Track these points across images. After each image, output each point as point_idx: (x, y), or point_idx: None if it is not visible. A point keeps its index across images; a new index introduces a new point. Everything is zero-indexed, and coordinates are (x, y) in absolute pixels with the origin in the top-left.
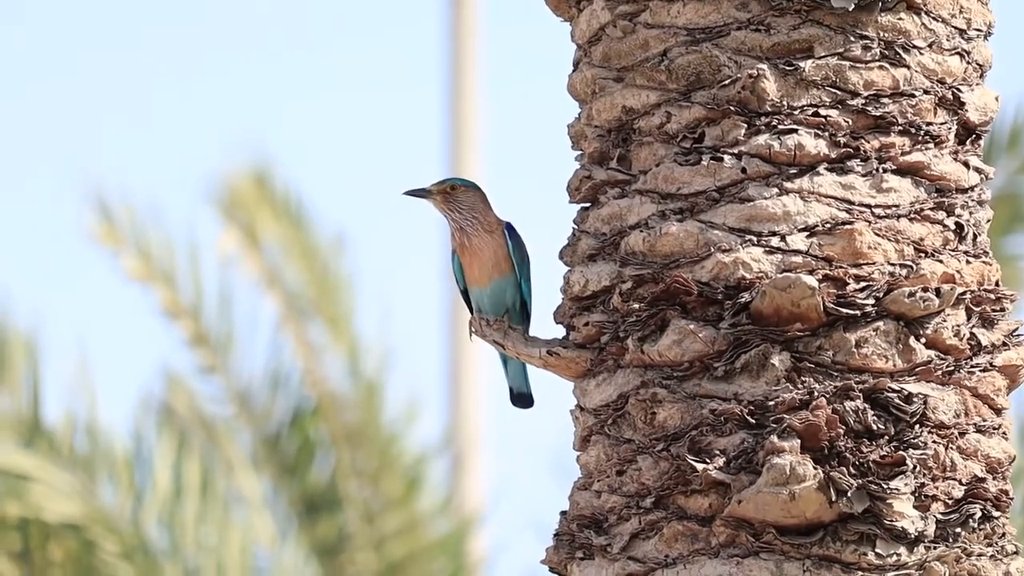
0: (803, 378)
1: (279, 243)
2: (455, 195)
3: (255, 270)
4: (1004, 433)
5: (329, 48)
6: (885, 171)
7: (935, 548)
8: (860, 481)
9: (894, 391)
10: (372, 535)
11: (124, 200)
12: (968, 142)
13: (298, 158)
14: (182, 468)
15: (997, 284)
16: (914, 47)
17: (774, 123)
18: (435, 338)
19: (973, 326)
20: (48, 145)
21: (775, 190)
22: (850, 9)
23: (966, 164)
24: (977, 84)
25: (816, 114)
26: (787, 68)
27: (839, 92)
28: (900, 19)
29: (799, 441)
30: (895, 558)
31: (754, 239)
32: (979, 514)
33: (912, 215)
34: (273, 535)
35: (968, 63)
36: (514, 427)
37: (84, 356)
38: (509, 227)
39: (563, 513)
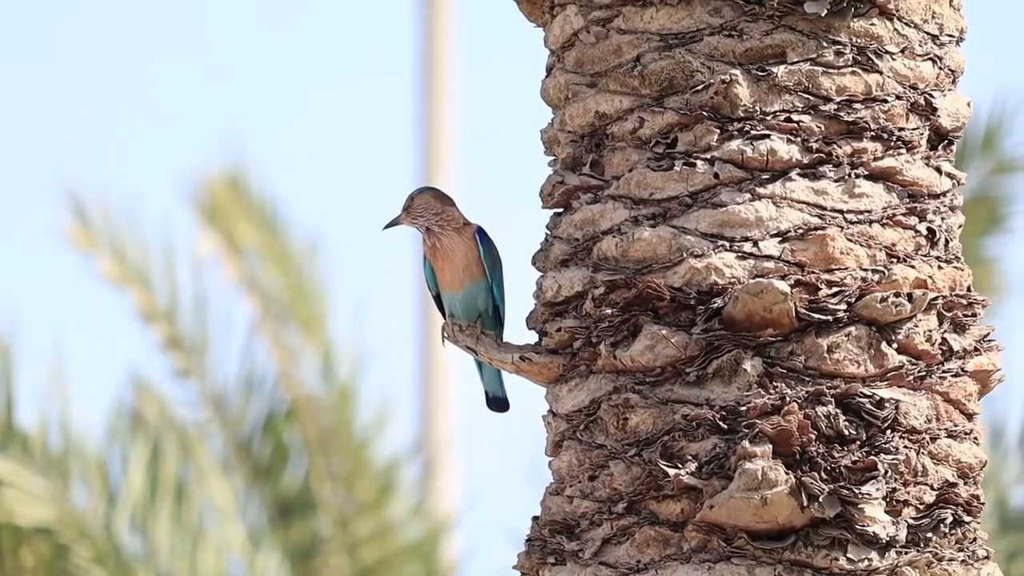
0: (775, 383)
1: (254, 247)
2: (412, 206)
3: (232, 273)
4: (975, 438)
5: (302, 51)
6: (857, 176)
7: (906, 553)
8: (832, 486)
9: (866, 396)
10: (345, 539)
11: (100, 202)
12: (940, 147)
13: (272, 162)
14: (155, 473)
15: (969, 289)
16: (886, 52)
17: (747, 128)
18: (407, 343)
19: (945, 331)
20: (23, 146)
21: (748, 195)
22: (823, 15)
23: (938, 169)
24: (949, 90)
25: (789, 119)
26: (760, 73)
27: (812, 97)
28: (872, 24)
29: (771, 446)
30: (866, 563)
31: (727, 244)
32: (950, 519)
33: (884, 220)
34: (246, 539)
35: (940, 69)
36: (486, 432)
37: (58, 359)
38: (480, 231)
39: (535, 518)
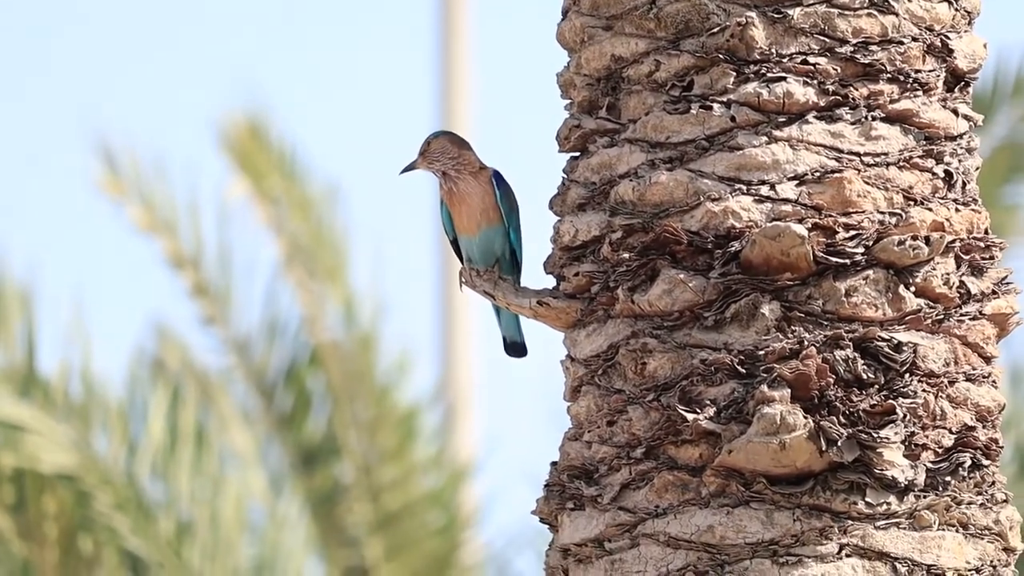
0: (793, 327)
1: (277, 193)
2: (429, 150)
3: (259, 219)
4: (994, 381)
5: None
6: (874, 119)
7: (925, 497)
8: (850, 430)
9: (884, 340)
10: (368, 486)
11: (128, 149)
12: (957, 89)
13: (292, 109)
14: (175, 420)
15: (986, 232)
16: None
17: (763, 71)
18: (427, 289)
19: (962, 274)
20: (52, 94)
21: (764, 138)
22: None
23: (955, 112)
24: (966, 31)
25: (805, 62)
26: (775, 16)
27: (827, 40)
28: None
29: (789, 390)
30: (885, 507)
31: (743, 188)
32: (969, 463)
33: (901, 163)
34: (267, 486)
35: (956, 10)
36: (506, 378)
37: (79, 306)
38: (497, 175)
39: (553, 464)
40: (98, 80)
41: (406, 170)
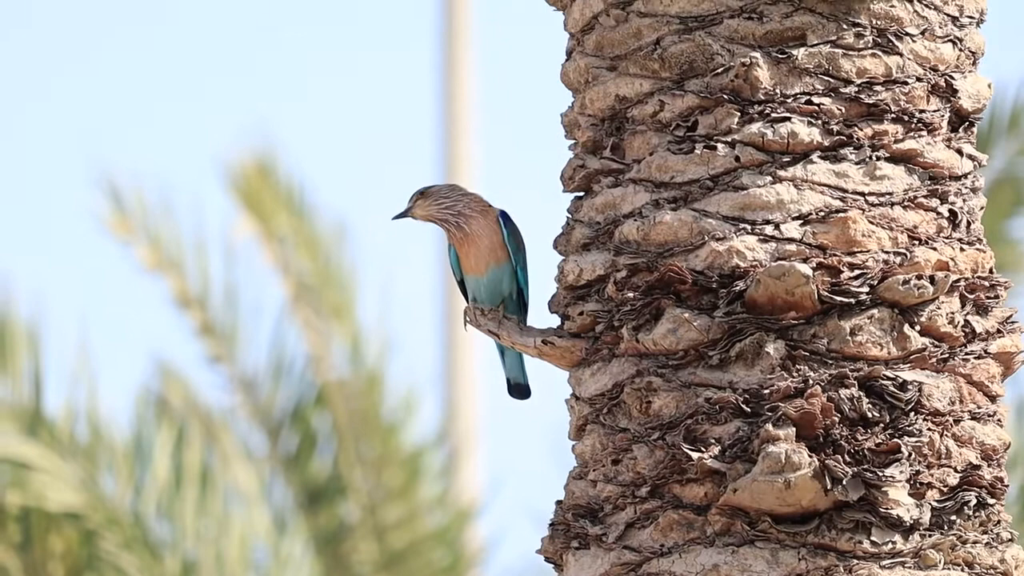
0: (798, 366)
1: (284, 232)
2: (427, 196)
3: (266, 258)
4: (999, 420)
5: (325, 37)
6: (878, 159)
7: (930, 536)
8: (855, 469)
9: (889, 379)
10: (373, 525)
11: (135, 188)
12: (961, 129)
13: (300, 147)
14: (180, 459)
15: (991, 271)
16: (907, 34)
17: (767, 111)
18: (432, 328)
19: (967, 313)
20: (59, 132)
21: (769, 178)
22: None
23: (959, 151)
24: (970, 71)
25: (809, 102)
26: (780, 56)
27: (832, 80)
28: (892, 6)
29: (794, 429)
30: (890, 546)
31: (748, 227)
32: (974, 501)
33: (906, 203)
34: (271, 525)
35: (961, 50)
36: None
37: (85, 345)
38: (504, 215)
39: (559, 502)
40: (105, 119)
41: (399, 217)
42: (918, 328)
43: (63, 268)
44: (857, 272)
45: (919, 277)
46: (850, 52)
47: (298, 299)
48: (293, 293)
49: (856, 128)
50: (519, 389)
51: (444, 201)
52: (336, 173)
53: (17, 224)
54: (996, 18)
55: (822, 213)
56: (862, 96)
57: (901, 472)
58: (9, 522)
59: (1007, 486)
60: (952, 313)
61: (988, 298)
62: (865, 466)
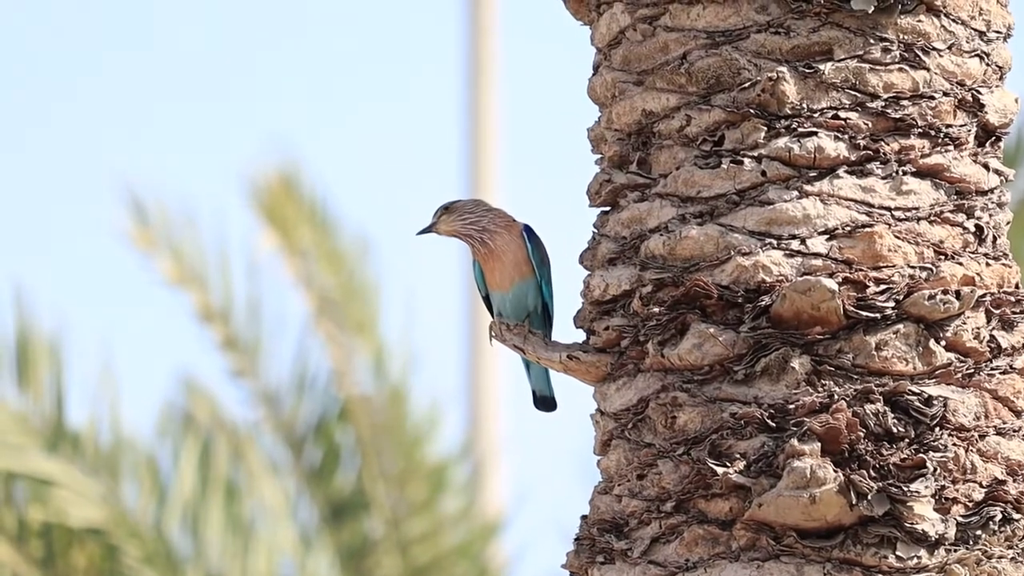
0: (823, 381)
1: (307, 246)
2: (452, 212)
3: (289, 272)
4: None
5: (354, 53)
6: (905, 173)
7: (955, 551)
8: (880, 484)
9: (914, 394)
10: (397, 539)
11: (158, 202)
12: (988, 144)
13: (322, 162)
14: (206, 473)
15: (1017, 287)
16: (934, 49)
17: (794, 126)
18: (456, 343)
19: (993, 328)
20: (83, 146)
21: (795, 193)
22: (870, 11)
23: (986, 166)
24: (997, 86)
25: (836, 117)
26: (807, 71)
27: (859, 94)
28: (919, 21)
29: (819, 444)
30: (915, 561)
31: (774, 242)
32: (999, 516)
33: (932, 217)
34: (297, 540)
35: (988, 65)
36: (536, 431)
37: (108, 359)
38: (528, 229)
39: (584, 517)
40: (128, 133)
41: (423, 232)
42: (943, 343)
43: (86, 282)
44: (883, 287)
45: (945, 292)
46: (877, 67)
47: (321, 313)
48: (316, 307)
49: (883, 143)
50: (545, 401)
51: (469, 216)
52: (361, 188)
53: (39, 238)
54: (1021, 33)
55: (848, 228)
56: (889, 111)
57: (926, 487)
58: (31, 538)
59: None
60: (978, 328)
61: (1014, 313)
62: (890, 481)
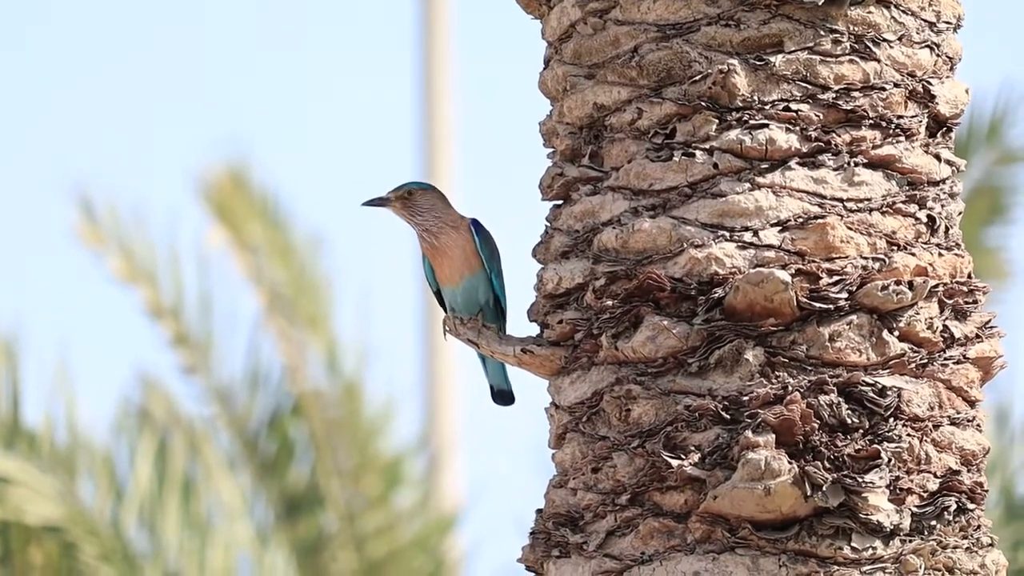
0: (777, 373)
1: (258, 242)
2: (413, 200)
3: (239, 268)
4: (978, 425)
5: (303, 47)
6: (856, 165)
7: (910, 541)
8: (835, 475)
9: (868, 384)
10: (352, 534)
11: (108, 199)
12: (939, 135)
13: (274, 158)
14: (162, 469)
15: (970, 276)
16: (884, 40)
17: (745, 118)
18: (411, 337)
19: (946, 319)
20: (31, 144)
21: (747, 185)
22: (820, 3)
23: (937, 157)
24: (947, 77)
25: (787, 109)
26: (757, 63)
27: (810, 86)
28: (870, 13)
29: (774, 436)
30: (871, 551)
31: (727, 234)
32: (954, 507)
33: (884, 208)
34: (254, 536)
35: (938, 56)
36: (491, 425)
37: (64, 357)
38: (475, 223)
39: (539, 511)
40: (76, 130)
41: (372, 203)
42: (897, 334)
43: (39, 281)
44: (836, 278)
45: (898, 283)
46: (828, 58)
47: (273, 309)
48: (268, 303)
49: (834, 134)
50: (503, 395)
51: (426, 215)
52: (314, 183)
53: None
54: (974, 26)
55: (800, 219)
56: (840, 102)
57: (881, 478)
58: None
59: (987, 491)
60: (931, 318)
61: (967, 303)
62: (845, 472)
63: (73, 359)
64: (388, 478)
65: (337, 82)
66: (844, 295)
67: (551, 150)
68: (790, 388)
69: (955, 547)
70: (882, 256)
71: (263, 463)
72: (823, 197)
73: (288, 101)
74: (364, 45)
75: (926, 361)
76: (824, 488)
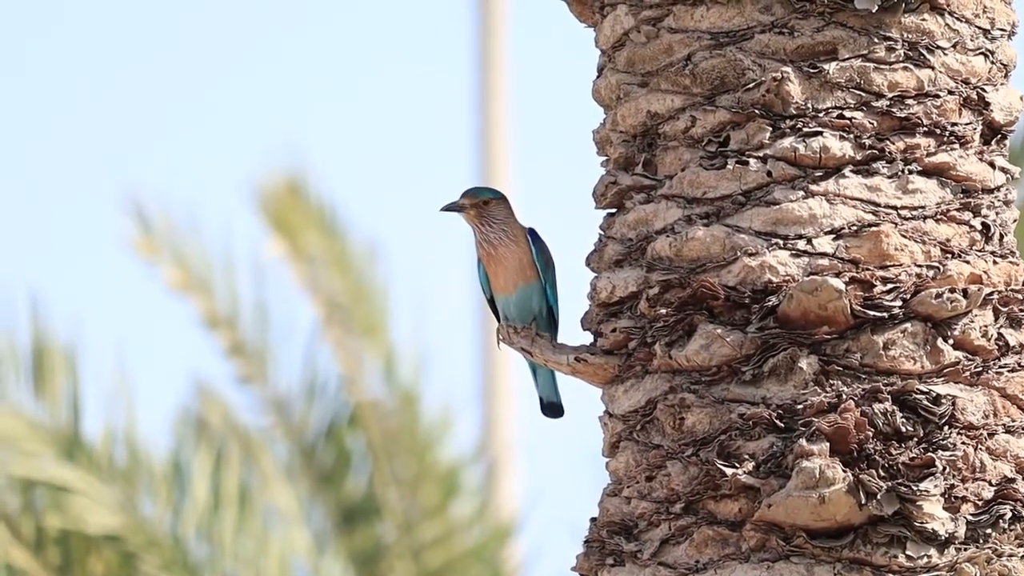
0: (831, 381)
1: (315, 251)
2: (488, 209)
3: (296, 278)
4: None
5: (360, 57)
6: (911, 172)
7: (965, 549)
8: (890, 483)
9: (922, 393)
10: (410, 544)
11: (162, 210)
12: (993, 142)
13: (331, 166)
14: (220, 479)
15: None
16: (938, 48)
17: (799, 126)
18: (468, 345)
19: (1001, 326)
20: (87, 155)
21: (801, 193)
22: (874, 11)
23: (992, 164)
24: (1002, 84)
25: (841, 116)
26: (811, 71)
27: (864, 94)
28: (924, 20)
29: (828, 444)
30: (925, 560)
31: (780, 242)
32: (1009, 515)
33: (938, 216)
34: (311, 545)
35: (992, 63)
36: (549, 432)
37: (123, 367)
38: (532, 232)
39: (593, 520)
40: (132, 140)
41: (449, 208)
42: (951, 342)
43: (97, 291)
44: (890, 286)
45: (952, 290)
46: (881, 66)
47: (329, 318)
48: (324, 312)
49: (888, 142)
50: (552, 408)
51: (496, 225)
52: (370, 191)
53: (50, 248)
54: None
55: (854, 227)
56: (894, 110)
57: (935, 486)
58: (49, 545)
59: None
60: (985, 326)
61: (1021, 311)
62: (899, 480)
63: (132, 369)
64: (445, 488)
65: (393, 90)
66: (898, 303)
67: (604, 158)
68: (844, 396)
69: (1010, 555)
70: (936, 264)
71: (320, 473)
72: (877, 205)
73: (344, 109)
74: (420, 54)
75: (980, 369)
76: (879, 496)
